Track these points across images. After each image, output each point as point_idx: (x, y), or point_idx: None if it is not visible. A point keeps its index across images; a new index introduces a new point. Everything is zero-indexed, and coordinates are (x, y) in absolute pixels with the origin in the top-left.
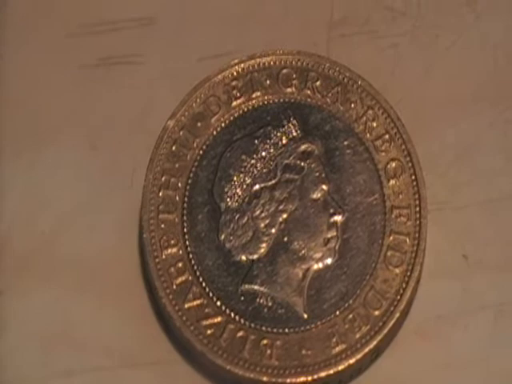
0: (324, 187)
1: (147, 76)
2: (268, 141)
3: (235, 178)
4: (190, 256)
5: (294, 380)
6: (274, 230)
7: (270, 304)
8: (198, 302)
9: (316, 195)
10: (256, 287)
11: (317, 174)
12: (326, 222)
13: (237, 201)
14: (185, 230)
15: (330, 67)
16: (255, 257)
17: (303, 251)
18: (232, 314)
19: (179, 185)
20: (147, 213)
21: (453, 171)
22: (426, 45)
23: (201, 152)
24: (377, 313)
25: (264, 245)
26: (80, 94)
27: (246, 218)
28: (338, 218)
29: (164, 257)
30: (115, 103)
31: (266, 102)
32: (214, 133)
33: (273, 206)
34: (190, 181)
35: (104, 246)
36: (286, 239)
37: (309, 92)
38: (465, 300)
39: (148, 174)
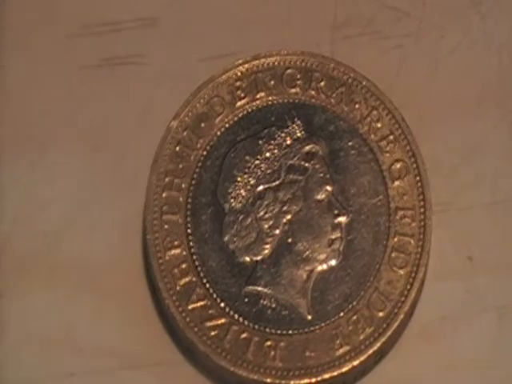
0: (328, 188)
1: (150, 76)
2: (272, 141)
3: (239, 179)
4: (194, 257)
5: (297, 382)
6: (277, 231)
7: (273, 305)
8: (201, 303)
9: (320, 196)
10: (260, 288)
11: (321, 174)
12: (330, 223)
13: (241, 202)
14: (188, 230)
15: (335, 68)
16: (259, 258)
17: (307, 252)
18: (236, 316)
19: (183, 186)
20: (151, 214)
21: (457, 172)
22: (430, 46)
23: (204, 153)
24: (381, 314)
25: (268, 246)
26: (82, 94)
27: (249, 219)
28: (342, 219)
29: (167, 258)
30: (118, 104)
31: (270, 103)
32: (218, 133)
33: (277, 206)
34: (193, 182)
35: (107, 247)
36: (289, 240)
37: (313, 92)
38: (469, 301)
39: (151, 174)
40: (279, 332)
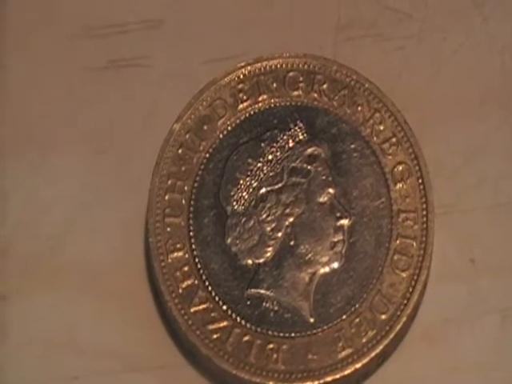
0: (331, 191)
1: (154, 78)
2: (274, 144)
3: (241, 182)
4: (196, 260)
5: None
6: (280, 234)
7: (276, 308)
8: (203, 306)
9: (322, 199)
10: (262, 291)
11: (323, 177)
12: (333, 225)
13: (243, 204)
14: (191, 233)
15: (337, 70)
16: (261, 261)
17: (309, 255)
18: (238, 319)
19: (185, 188)
20: (153, 216)
21: (460, 175)
22: (433, 47)
23: (207, 155)
24: (383, 317)
25: (270, 249)
26: (86, 96)
27: (252, 222)
28: (344, 222)
29: (170, 261)
30: (122, 106)
31: (272, 105)
32: (221, 136)
33: (279, 209)
34: (196, 184)
35: (109, 250)
36: (292, 243)
37: (315, 95)
38: (472, 304)
39: (154, 177)
40: (281, 335)
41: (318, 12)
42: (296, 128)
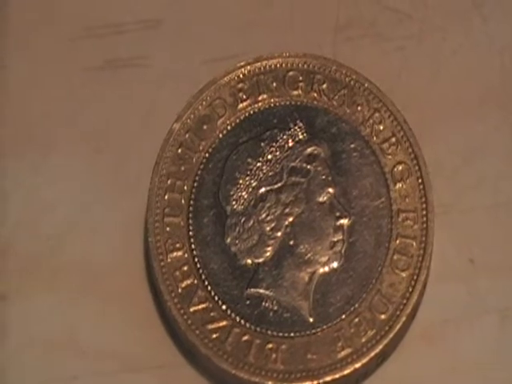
0: (330, 190)
1: (153, 78)
2: (274, 144)
3: (241, 181)
4: (196, 259)
5: None
6: (279, 234)
7: (275, 308)
8: (203, 305)
9: (322, 198)
10: (261, 291)
11: (323, 176)
12: (332, 225)
13: (243, 204)
14: (190, 233)
15: (337, 70)
16: (261, 260)
17: (309, 255)
18: (237, 318)
19: (185, 188)
20: (152, 216)
21: (460, 174)
22: (432, 48)
23: (206, 155)
24: (383, 317)
25: (270, 248)
26: (84, 96)
27: (251, 222)
28: (344, 222)
29: (169, 260)
30: (121, 106)
31: (272, 105)
32: (220, 136)
33: (279, 209)
34: (195, 184)
35: (109, 250)
36: (291, 243)
37: (315, 94)
38: (471, 304)
39: (153, 177)
40: (281, 334)
41: (317, 12)
42: (296, 127)
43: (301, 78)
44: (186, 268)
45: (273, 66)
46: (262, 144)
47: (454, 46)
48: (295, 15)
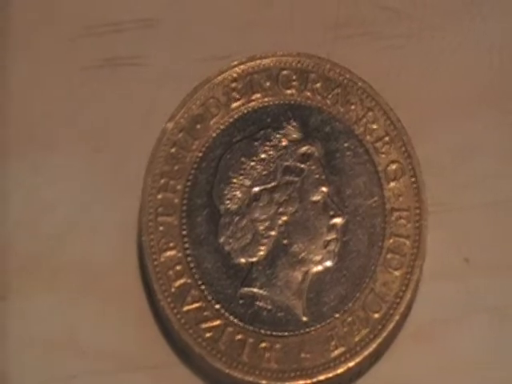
0: (324, 189)
1: (150, 77)
2: (268, 143)
3: (235, 181)
4: (189, 259)
5: (293, 383)
6: (273, 233)
7: (269, 307)
8: (196, 304)
9: (316, 197)
10: (255, 290)
11: (317, 176)
12: (326, 224)
13: (236, 203)
14: (184, 232)
15: (331, 69)
16: (254, 259)
17: (303, 254)
18: (231, 317)
19: (178, 187)
20: (146, 215)
21: (453, 173)
22: (427, 46)
23: (200, 154)
24: (376, 316)
25: (263, 247)
26: (84, 95)
27: (245, 221)
28: (337, 221)
29: (163, 259)
30: (117, 105)
31: (265, 104)
32: (214, 135)
33: (272, 208)
34: (189, 183)
35: (103, 249)
36: (285, 242)
37: (309, 94)
38: (465, 303)
39: (147, 176)
40: (274, 333)
41: (311, 10)
42: (289, 127)
43: (294, 77)
44: (179, 267)
45: (266, 65)
46: (256, 143)
47: (448, 45)
48: (289, 14)
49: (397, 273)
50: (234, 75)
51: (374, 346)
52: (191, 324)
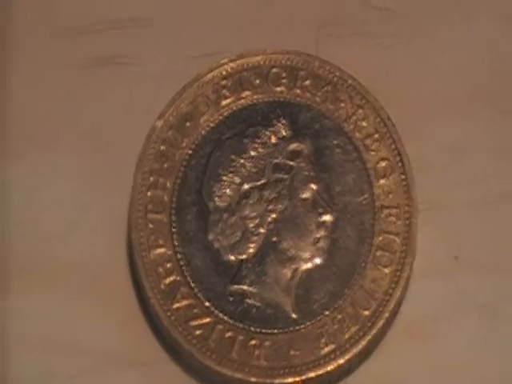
0: (313, 186)
1: (140, 76)
2: (257, 140)
3: (224, 178)
4: (179, 256)
5: (282, 380)
6: (263, 230)
7: (258, 304)
8: (186, 302)
9: (305, 195)
10: (245, 287)
11: (306, 173)
12: (315, 221)
13: (226, 200)
14: (173, 229)
15: (320, 66)
16: (244, 257)
17: (292, 251)
18: (220, 315)
19: (168, 185)
20: (135, 212)
21: (443, 171)
22: (417, 44)
23: (190, 152)
24: (366, 313)
25: (253, 245)
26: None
27: (234, 218)
28: (327, 218)
29: (152, 257)
30: (110, 103)
31: (255, 102)
32: (203, 132)
33: (262, 205)
34: (178, 181)
35: (92, 247)
36: (275, 239)
37: (298, 91)
38: (454, 300)
39: (136, 174)
40: (264, 331)
41: (301, 8)
42: (279, 124)
43: (284, 75)
44: (169, 265)
45: (256, 63)
46: (246, 141)
47: (438, 44)
48: (279, 12)
49: (386, 270)
50: (224, 73)
51: (363, 343)
52: (181, 321)
